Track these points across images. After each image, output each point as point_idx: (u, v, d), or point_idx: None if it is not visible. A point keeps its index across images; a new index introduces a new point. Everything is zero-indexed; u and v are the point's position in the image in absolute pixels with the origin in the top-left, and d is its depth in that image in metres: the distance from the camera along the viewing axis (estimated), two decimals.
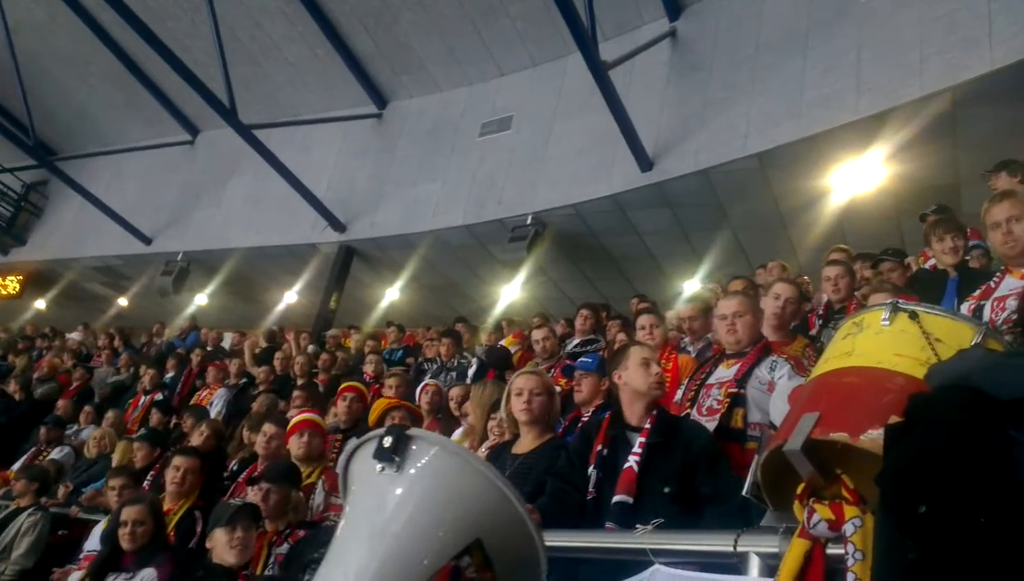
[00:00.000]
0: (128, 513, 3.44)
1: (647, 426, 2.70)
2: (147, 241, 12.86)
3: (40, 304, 15.21)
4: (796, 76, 7.50)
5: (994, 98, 6.33)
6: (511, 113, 10.28)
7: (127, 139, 13.98)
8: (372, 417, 4.66)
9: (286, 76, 11.78)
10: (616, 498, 2.54)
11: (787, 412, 2.32)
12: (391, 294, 11.99)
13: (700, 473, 2.54)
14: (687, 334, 4.38)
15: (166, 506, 3.99)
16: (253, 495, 3.53)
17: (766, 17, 8.06)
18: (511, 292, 10.88)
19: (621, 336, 5.11)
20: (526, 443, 3.12)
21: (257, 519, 3.13)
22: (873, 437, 1.53)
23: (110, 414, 6.76)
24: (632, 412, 2.78)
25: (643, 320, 4.46)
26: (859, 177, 7.42)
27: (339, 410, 4.85)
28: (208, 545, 3.06)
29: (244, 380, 7.65)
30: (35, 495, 4.84)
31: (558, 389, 3.69)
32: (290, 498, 3.45)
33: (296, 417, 4.34)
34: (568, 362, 4.96)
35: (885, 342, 1.72)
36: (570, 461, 2.77)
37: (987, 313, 2.55)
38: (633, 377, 2.80)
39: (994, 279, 2.81)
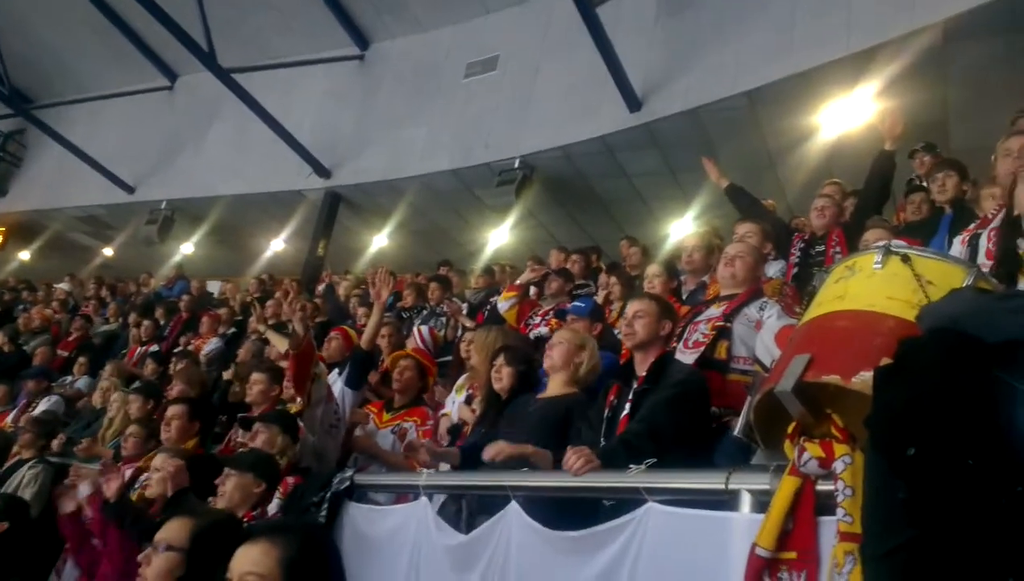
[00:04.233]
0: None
1: (643, 374, 2.78)
2: (130, 190, 12.68)
3: (24, 255, 15.07)
4: (786, 12, 7.38)
5: (984, 32, 6.27)
6: (496, 53, 10.07)
7: (104, 85, 13.65)
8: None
9: (266, 18, 11.44)
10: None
11: (778, 354, 2.38)
12: (379, 240, 11.94)
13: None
14: (686, 266, 4.39)
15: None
16: (247, 438, 3.60)
17: None
18: (500, 236, 10.85)
19: (614, 282, 5.13)
20: (552, 390, 3.19)
21: (255, 467, 3.17)
22: (864, 379, 1.56)
23: (109, 365, 6.78)
24: (636, 361, 2.85)
25: (649, 270, 4.50)
26: (848, 114, 7.37)
27: (330, 350, 4.93)
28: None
29: (234, 329, 7.66)
30: (40, 449, 4.87)
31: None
32: (277, 440, 3.48)
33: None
34: (560, 306, 4.98)
35: (877, 285, 1.75)
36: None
37: (983, 243, 2.57)
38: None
39: (991, 211, 2.83)
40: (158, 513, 3.15)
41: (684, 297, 4.28)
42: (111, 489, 3.33)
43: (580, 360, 3.16)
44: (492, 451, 2.61)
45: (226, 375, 6.03)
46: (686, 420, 2.58)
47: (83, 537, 3.56)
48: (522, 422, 3.06)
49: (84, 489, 3.51)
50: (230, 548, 1.96)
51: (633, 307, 2.89)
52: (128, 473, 3.90)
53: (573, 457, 2.33)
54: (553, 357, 3.17)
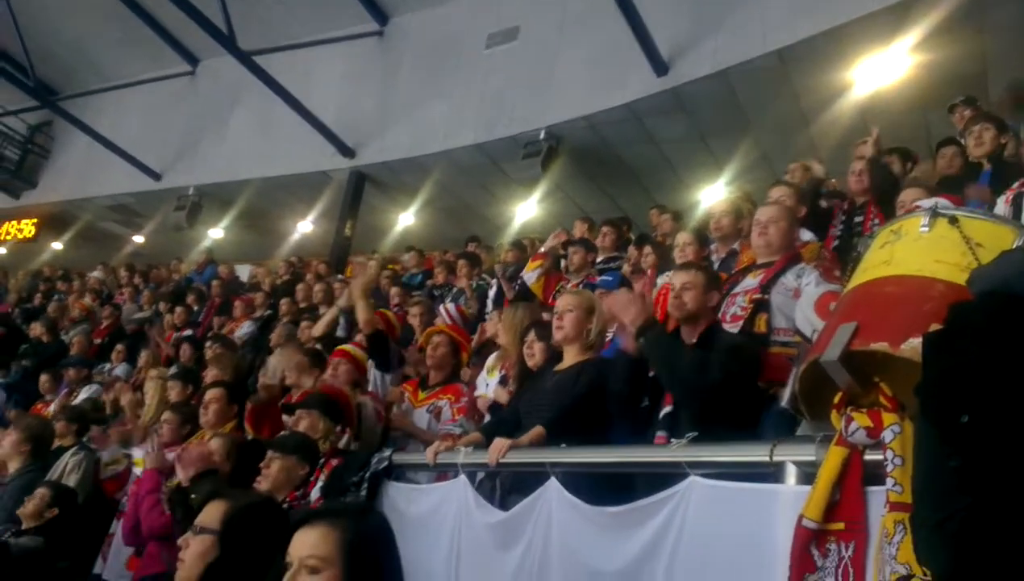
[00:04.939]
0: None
1: (692, 341, 2.75)
2: (156, 177, 12.80)
3: (56, 246, 15.34)
4: None
5: None
6: (517, 23, 9.92)
7: (127, 74, 13.75)
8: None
9: None
10: (664, 410, 2.65)
11: (818, 323, 2.32)
12: (405, 219, 11.93)
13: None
14: (714, 232, 4.29)
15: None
16: (292, 422, 3.63)
17: None
18: (527, 210, 10.78)
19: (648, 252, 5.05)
20: (566, 360, 3.17)
21: (298, 450, 3.20)
22: (914, 346, 1.52)
23: (145, 353, 6.89)
24: (684, 333, 2.82)
25: (680, 238, 4.40)
26: (883, 69, 7.16)
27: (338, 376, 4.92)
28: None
29: (269, 312, 7.73)
30: (76, 435, 4.97)
31: None
32: (319, 426, 3.50)
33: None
34: (589, 280, 4.94)
35: (924, 249, 1.69)
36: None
37: None
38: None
39: None
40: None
41: (716, 266, 4.20)
42: (187, 472, 3.31)
43: (590, 326, 3.15)
44: (493, 453, 2.76)
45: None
46: (735, 385, 2.53)
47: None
48: (542, 397, 3.08)
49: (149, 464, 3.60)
50: (268, 530, 1.99)
51: (680, 279, 2.83)
52: (171, 457, 3.97)
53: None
54: (565, 328, 3.14)
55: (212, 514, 2.14)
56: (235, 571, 1.92)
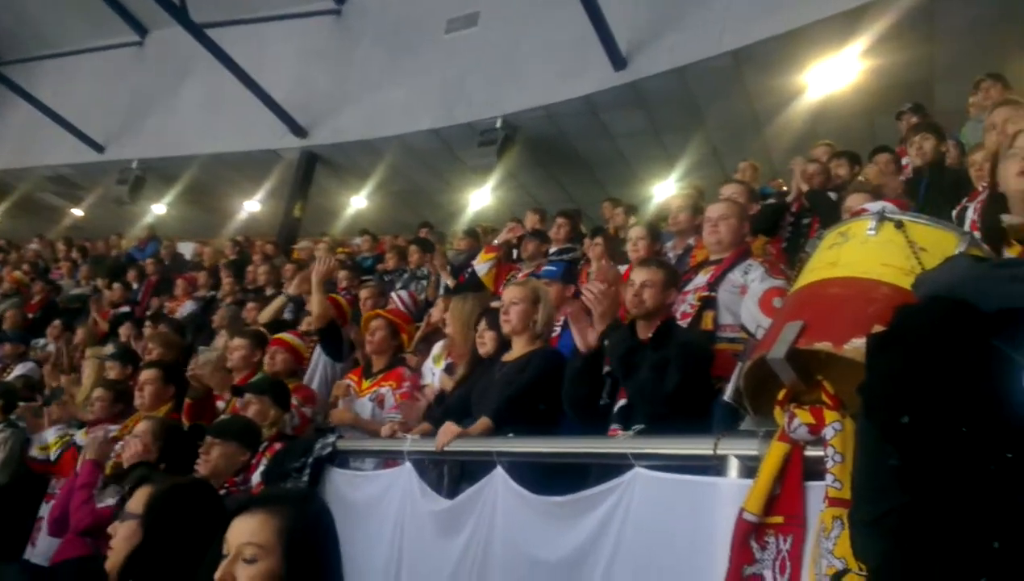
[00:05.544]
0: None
1: (647, 337, 2.77)
2: (100, 149, 12.37)
3: None
4: None
5: None
6: (478, 9, 9.84)
7: (72, 41, 13.24)
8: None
9: None
10: (619, 403, 2.68)
11: (763, 319, 2.36)
12: (357, 202, 11.78)
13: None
14: (672, 227, 4.33)
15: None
16: (241, 406, 3.55)
17: None
18: (481, 198, 10.73)
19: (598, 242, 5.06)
20: (515, 351, 3.18)
21: (240, 435, 3.13)
22: (857, 346, 1.55)
23: (80, 330, 6.65)
24: (639, 327, 2.83)
25: (633, 233, 4.43)
26: (834, 74, 7.33)
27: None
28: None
29: (212, 292, 7.54)
30: (3, 411, 4.76)
31: None
32: (269, 413, 3.45)
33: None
34: (537, 270, 4.94)
35: (871, 252, 1.73)
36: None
37: (969, 215, 2.57)
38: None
39: (982, 185, 2.82)
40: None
41: (673, 262, 4.24)
42: (131, 455, 3.19)
43: (536, 316, 3.17)
44: (442, 438, 2.77)
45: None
46: (688, 380, 2.56)
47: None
48: (491, 387, 3.09)
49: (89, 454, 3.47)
50: (194, 514, 1.95)
51: (640, 276, 2.83)
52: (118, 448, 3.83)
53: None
54: (512, 320, 3.15)
55: (138, 499, 2.10)
56: (159, 556, 1.87)
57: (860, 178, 4.85)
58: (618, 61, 7.92)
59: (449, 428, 2.79)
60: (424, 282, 6.20)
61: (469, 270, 5.63)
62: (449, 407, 3.33)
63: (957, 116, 5.26)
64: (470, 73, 9.43)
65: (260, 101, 10.17)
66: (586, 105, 8.51)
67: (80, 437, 4.17)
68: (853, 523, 1.38)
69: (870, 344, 1.44)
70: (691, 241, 4.08)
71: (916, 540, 1.19)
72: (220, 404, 4.28)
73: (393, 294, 5.65)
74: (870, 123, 7.77)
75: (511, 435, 2.69)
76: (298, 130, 10.58)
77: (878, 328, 1.46)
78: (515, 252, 5.63)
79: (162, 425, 3.42)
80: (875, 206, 2.17)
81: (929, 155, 4.19)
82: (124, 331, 6.67)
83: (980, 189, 2.77)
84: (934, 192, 3.90)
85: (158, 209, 13.09)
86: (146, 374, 4.23)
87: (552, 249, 5.60)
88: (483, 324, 3.45)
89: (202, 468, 2.99)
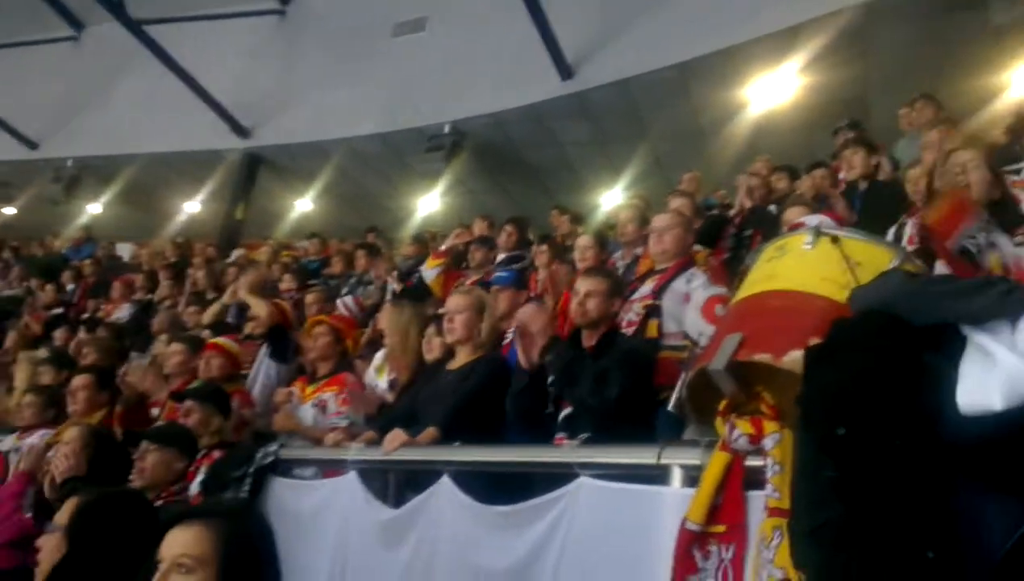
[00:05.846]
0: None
1: (590, 345, 2.79)
2: (33, 146, 11.96)
3: None
4: None
5: (903, 14, 6.47)
6: (425, 14, 9.82)
7: (5, 34, 12.72)
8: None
9: None
10: (564, 411, 2.69)
11: (706, 327, 2.41)
12: (303, 204, 11.61)
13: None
14: (620, 238, 4.38)
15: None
16: (181, 412, 3.45)
17: None
18: (430, 203, 10.69)
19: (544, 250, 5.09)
20: (459, 359, 3.17)
21: (177, 441, 3.04)
22: (795, 358, 1.58)
23: (12, 333, 6.37)
24: (584, 336, 2.84)
25: (580, 242, 4.46)
26: (774, 90, 7.55)
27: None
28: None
29: (150, 296, 7.32)
30: None
31: None
32: (212, 420, 3.36)
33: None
34: (486, 277, 4.94)
35: (808, 266, 1.77)
36: None
37: (908, 229, 2.67)
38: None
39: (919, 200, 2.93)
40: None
41: (621, 272, 4.29)
42: (63, 469, 2.95)
43: (481, 325, 3.17)
44: (389, 444, 2.75)
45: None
46: (631, 396, 2.58)
47: None
48: (436, 396, 3.08)
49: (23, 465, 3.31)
50: (121, 525, 1.90)
51: (585, 285, 2.84)
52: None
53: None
54: (456, 329, 3.13)
55: (65, 511, 2.05)
56: (83, 568, 1.81)
57: (799, 192, 4.99)
58: (564, 71, 8.01)
59: (397, 435, 2.76)
60: (371, 287, 6.13)
61: (416, 275, 5.59)
62: (393, 415, 3.30)
63: (893, 132, 5.47)
64: (417, 78, 9.39)
65: (201, 100, 9.95)
66: (533, 113, 8.57)
67: (11, 443, 4.00)
68: (792, 533, 1.41)
69: (807, 357, 1.48)
70: (638, 251, 4.14)
71: (852, 550, 1.21)
72: (154, 411, 4.16)
73: (339, 301, 5.58)
74: (809, 138, 8.01)
75: (457, 444, 2.68)
76: (240, 130, 10.39)
77: (815, 340, 1.50)
78: (464, 260, 5.62)
79: (92, 432, 3.29)
80: (812, 220, 2.24)
81: (859, 169, 4.32)
82: (59, 334, 6.43)
83: (918, 204, 2.88)
84: (870, 205, 4.04)
85: (94, 209, 12.69)
86: (79, 379, 4.10)
87: (500, 256, 5.60)
88: (431, 329, 3.43)
89: (137, 478, 2.89)
